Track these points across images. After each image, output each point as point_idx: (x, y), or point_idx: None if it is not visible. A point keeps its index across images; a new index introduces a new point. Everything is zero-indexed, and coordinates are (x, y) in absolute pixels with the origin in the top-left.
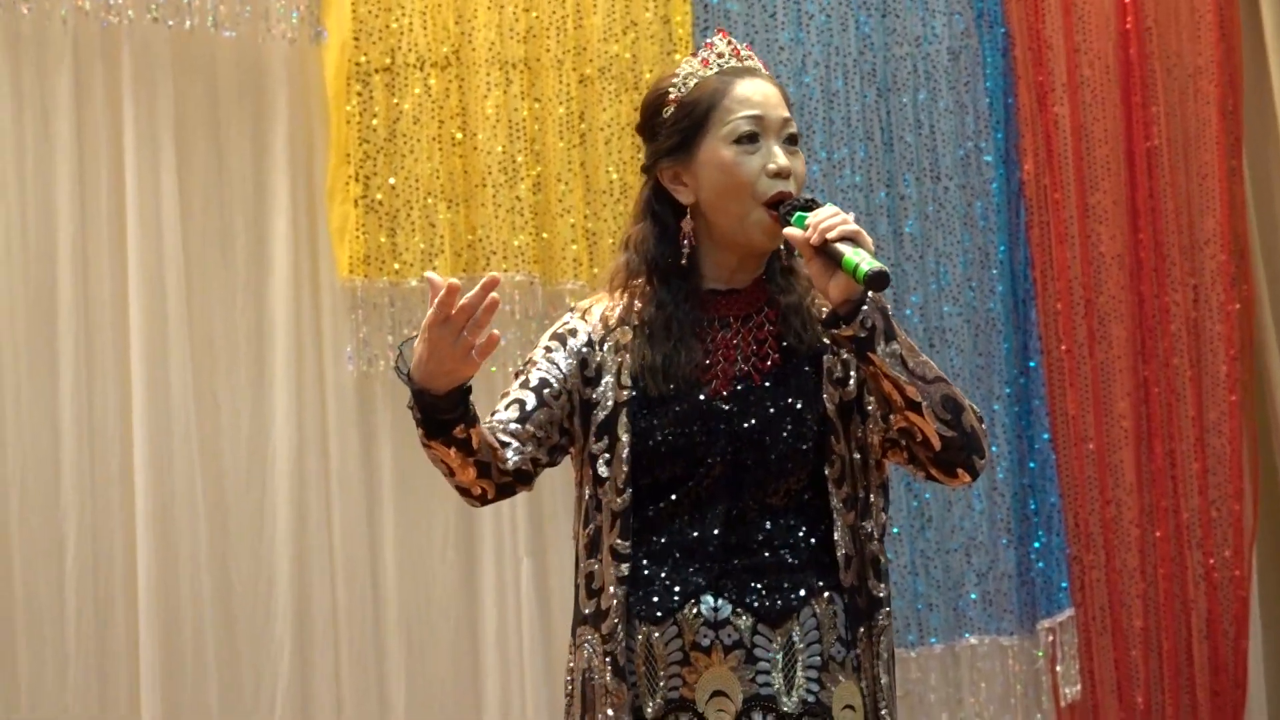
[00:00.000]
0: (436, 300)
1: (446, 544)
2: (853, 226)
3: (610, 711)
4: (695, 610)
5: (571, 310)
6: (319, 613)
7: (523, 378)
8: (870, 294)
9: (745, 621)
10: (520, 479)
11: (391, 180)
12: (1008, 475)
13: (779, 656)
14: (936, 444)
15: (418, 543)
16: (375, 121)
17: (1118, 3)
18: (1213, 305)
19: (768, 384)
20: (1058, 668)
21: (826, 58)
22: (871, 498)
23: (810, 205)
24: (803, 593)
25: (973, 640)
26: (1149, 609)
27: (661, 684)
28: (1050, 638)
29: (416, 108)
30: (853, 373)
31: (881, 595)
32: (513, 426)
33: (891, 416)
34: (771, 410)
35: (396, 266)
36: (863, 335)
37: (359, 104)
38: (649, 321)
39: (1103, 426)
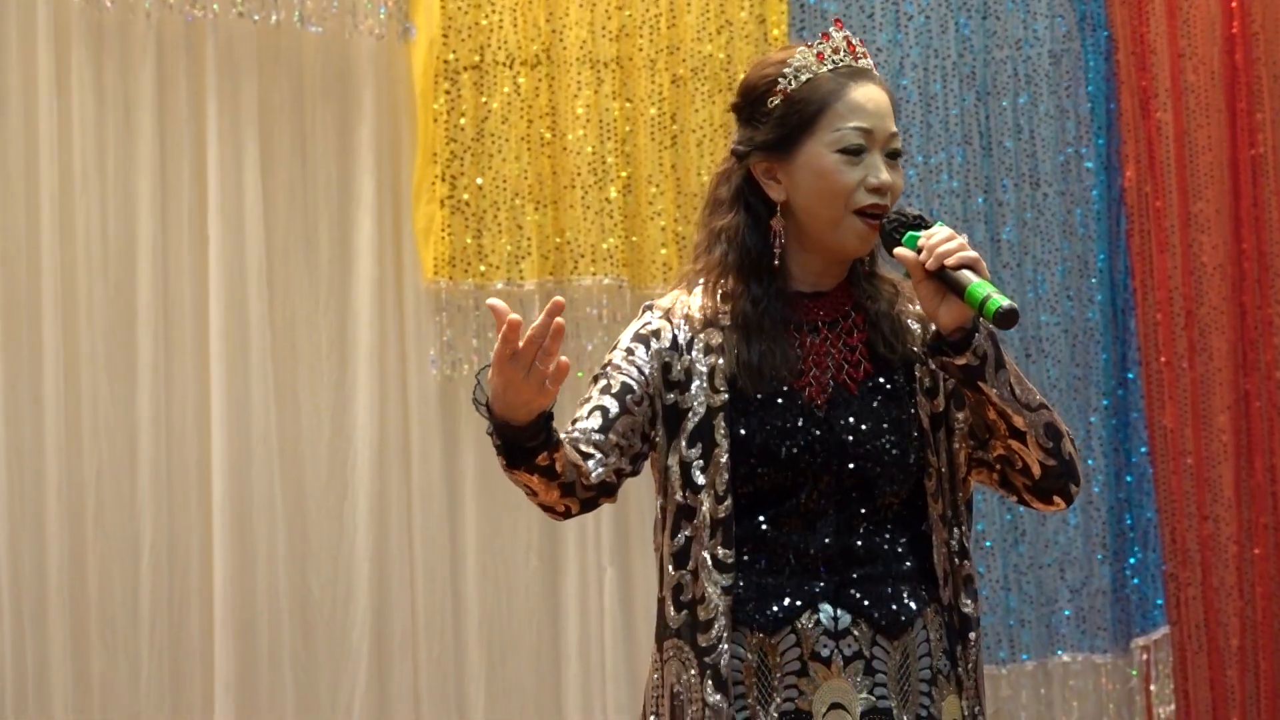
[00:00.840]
0: (500, 335)
1: (529, 552)
2: (972, 253)
3: None
4: (815, 619)
5: (650, 308)
6: (398, 620)
7: (604, 382)
8: (982, 320)
9: (865, 632)
10: (604, 491)
11: (479, 180)
12: (1104, 489)
13: (896, 669)
14: (1037, 473)
15: (500, 550)
16: (463, 120)
17: (1224, 6)
18: None
19: (866, 392)
20: (1152, 687)
21: (925, 60)
22: (961, 514)
23: (920, 222)
24: (915, 605)
25: (1065, 658)
26: (1246, 628)
27: (777, 696)
28: (1145, 656)
29: (505, 107)
30: (941, 385)
31: (972, 614)
32: (595, 436)
33: (992, 442)
34: (874, 419)
35: (483, 269)
36: (975, 364)
37: (447, 102)
38: (743, 318)
39: (1202, 441)
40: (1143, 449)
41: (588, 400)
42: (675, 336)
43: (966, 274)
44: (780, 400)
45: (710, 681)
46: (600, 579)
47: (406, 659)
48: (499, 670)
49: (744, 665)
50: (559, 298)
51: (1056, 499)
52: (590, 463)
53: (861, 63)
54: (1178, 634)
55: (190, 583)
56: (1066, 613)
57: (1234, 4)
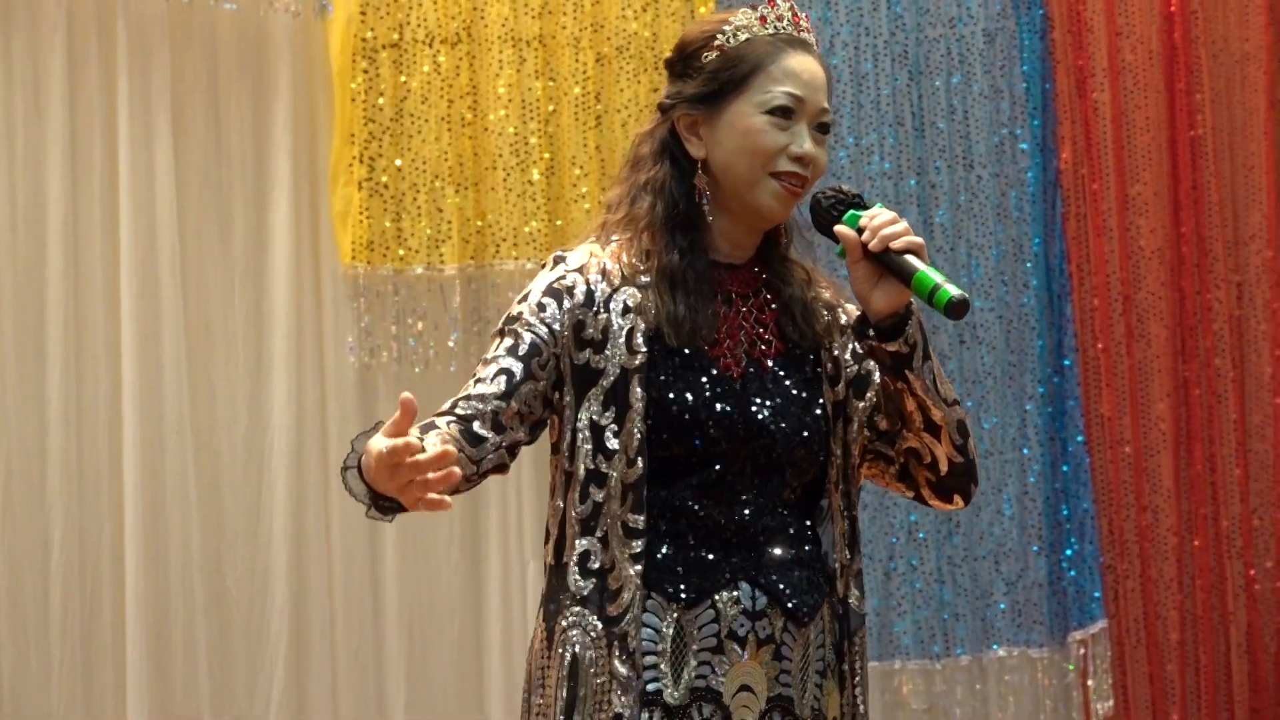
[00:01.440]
0: (388, 446)
1: (451, 544)
2: (917, 239)
3: (621, 697)
4: (735, 598)
5: (561, 260)
6: (316, 613)
7: (509, 340)
8: (913, 307)
9: (777, 617)
10: (497, 470)
11: (398, 162)
12: (1039, 480)
13: (799, 658)
14: (944, 469)
15: (421, 543)
16: (381, 100)
17: None
18: (1257, 303)
19: (779, 371)
20: (1089, 682)
21: (856, 38)
22: (854, 504)
23: (859, 201)
24: (816, 597)
25: (1001, 652)
26: (1186, 621)
27: (689, 670)
28: (1082, 650)
29: (425, 86)
30: (843, 373)
31: (859, 609)
32: (495, 403)
33: (905, 434)
34: (786, 399)
35: (401, 253)
36: (905, 351)
37: (365, 81)
38: (669, 271)
39: (1140, 429)
40: (1079, 438)
41: (493, 359)
42: (591, 292)
43: (912, 260)
44: (698, 364)
45: (618, 651)
46: (523, 571)
47: (325, 652)
48: (420, 663)
49: (659, 636)
50: (450, 448)
51: (957, 498)
52: (482, 447)
53: (804, 35)
54: (1116, 627)
55: (102, 575)
56: (1002, 606)
57: None
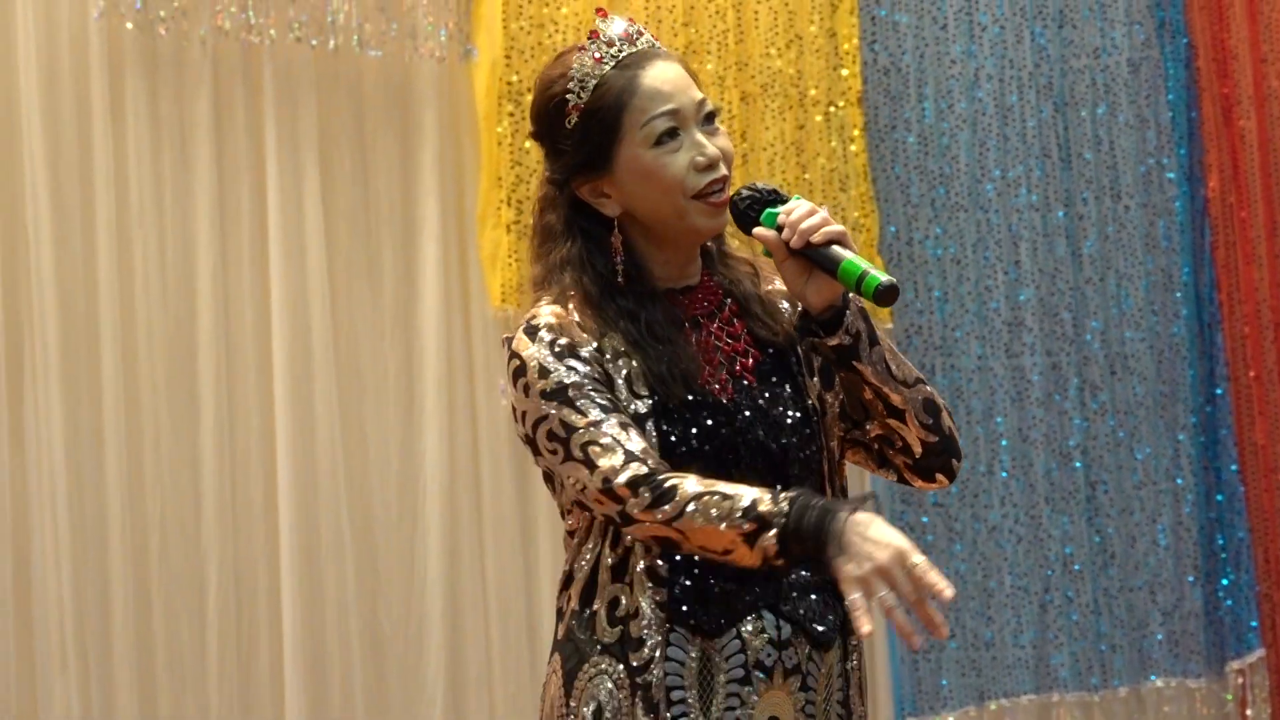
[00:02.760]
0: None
1: None
2: (837, 227)
3: None
4: (760, 626)
5: (533, 329)
6: (473, 657)
7: (583, 402)
8: (851, 296)
9: (802, 645)
10: None
11: None
12: (1194, 509)
13: (823, 686)
14: (918, 450)
15: None
16: (528, 143)
17: None
18: None
19: (763, 380)
20: (1248, 711)
21: (1001, 71)
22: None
23: (775, 197)
24: (833, 618)
25: (1158, 683)
26: None
27: (717, 703)
28: (1240, 680)
29: None
30: (815, 365)
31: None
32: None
33: (870, 422)
34: (777, 413)
35: (505, 335)
36: (848, 343)
37: (511, 125)
38: (631, 335)
39: None
40: (1233, 467)
41: (595, 421)
42: (589, 346)
43: (836, 250)
44: (691, 399)
45: (641, 703)
46: None
47: (483, 696)
48: None
49: (684, 669)
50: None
51: (939, 476)
52: None
53: (640, 44)
54: (1274, 656)
55: (258, 620)
56: (1159, 636)
57: None
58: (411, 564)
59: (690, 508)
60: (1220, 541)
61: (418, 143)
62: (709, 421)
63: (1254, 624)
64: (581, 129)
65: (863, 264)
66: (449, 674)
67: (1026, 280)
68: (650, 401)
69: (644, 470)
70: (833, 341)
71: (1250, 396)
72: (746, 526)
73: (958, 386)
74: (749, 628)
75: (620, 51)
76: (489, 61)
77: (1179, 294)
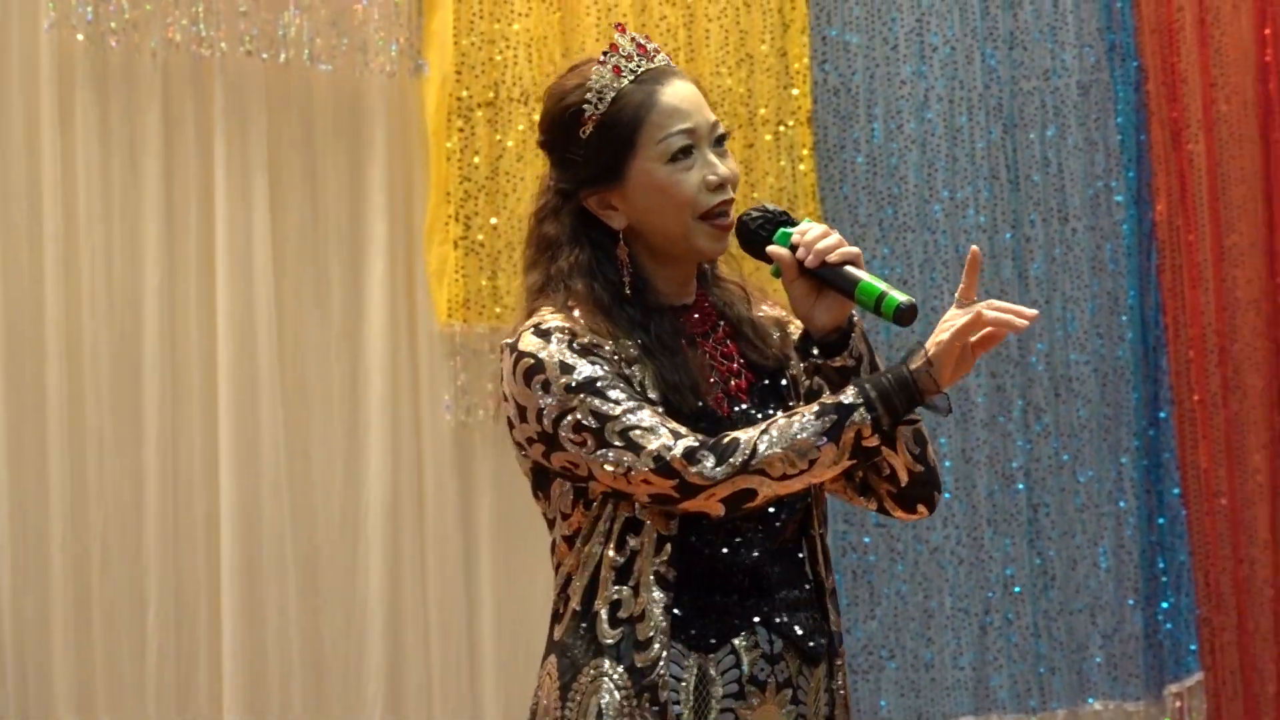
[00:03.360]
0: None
1: (548, 601)
2: (854, 248)
3: None
4: (753, 641)
5: (544, 332)
6: (412, 672)
7: (613, 391)
8: (855, 319)
9: (793, 660)
10: None
11: (494, 220)
12: (1135, 532)
13: (812, 701)
14: (904, 479)
15: (517, 600)
16: (477, 159)
17: (1257, 35)
18: None
19: (758, 401)
20: None
21: (950, 92)
22: (825, 522)
23: (786, 219)
24: (821, 635)
25: (1097, 705)
26: None
27: (713, 716)
28: (1178, 703)
29: (520, 144)
30: (800, 390)
31: (838, 630)
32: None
33: None
34: None
35: (498, 311)
36: (852, 365)
37: (460, 140)
38: (641, 343)
39: (1236, 481)
40: (1175, 490)
41: (631, 409)
42: (608, 345)
43: (853, 270)
44: (696, 412)
45: (648, 702)
46: None
47: (422, 712)
48: None
49: (681, 685)
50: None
51: (921, 507)
52: None
53: (659, 61)
54: (1212, 680)
55: (198, 635)
56: (1098, 659)
57: (1267, 31)
58: (353, 581)
59: (760, 445)
60: (1161, 565)
61: (367, 157)
62: (708, 433)
63: (1193, 647)
64: (596, 140)
65: (881, 284)
66: (389, 691)
67: None
68: (661, 408)
69: (695, 442)
70: (837, 363)
71: (1194, 420)
72: (828, 420)
73: None
74: (743, 642)
75: (639, 66)
76: (439, 77)
77: (1124, 317)
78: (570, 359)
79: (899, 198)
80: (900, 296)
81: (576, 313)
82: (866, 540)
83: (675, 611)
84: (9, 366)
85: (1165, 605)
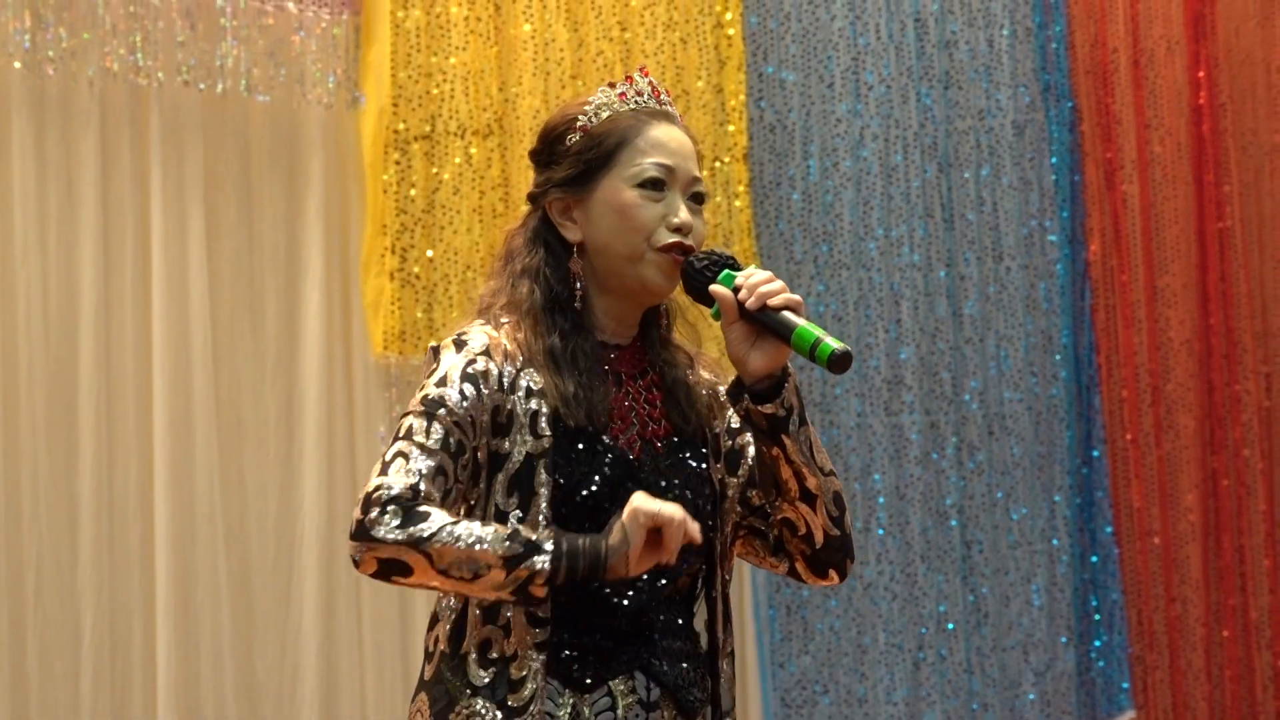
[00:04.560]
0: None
1: None
2: (795, 295)
3: None
4: (631, 686)
5: (461, 343)
6: (347, 704)
7: (437, 426)
8: (789, 371)
9: (670, 709)
10: None
11: (429, 253)
12: (1068, 570)
13: None
14: (819, 540)
15: None
16: (413, 191)
17: (1191, 77)
18: None
19: (671, 453)
20: None
21: (886, 130)
22: (729, 583)
23: (733, 263)
24: (700, 693)
25: None
26: (1215, 712)
27: None
28: None
29: (457, 177)
30: (722, 452)
31: (733, 693)
32: (440, 492)
33: (780, 504)
34: (683, 482)
35: (433, 343)
36: (781, 415)
37: (397, 173)
38: (554, 351)
39: (1169, 520)
40: (1108, 529)
41: (431, 449)
42: (501, 376)
43: (791, 316)
44: (599, 446)
45: None
46: None
47: None
48: None
49: None
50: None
51: (832, 573)
52: None
53: (667, 107)
54: (1144, 718)
55: (132, 665)
56: (1031, 696)
57: (1201, 74)
58: (287, 610)
59: (445, 532)
60: (1094, 603)
61: (303, 188)
62: (609, 471)
63: (1125, 685)
64: (579, 147)
65: (817, 331)
66: (323, 718)
67: (907, 339)
68: (546, 442)
69: (407, 498)
70: (768, 410)
71: (1127, 459)
72: (515, 549)
73: (836, 443)
74: (620, 685)
75: (645, 101)
76: (376, 109)
77: (1058, 356)
78: (449, 375)
79: (834, 235)
80: (835, 344)
81: (504, 320)
82: None
83: (555, 644)
84: None
85: (1098, 643)
